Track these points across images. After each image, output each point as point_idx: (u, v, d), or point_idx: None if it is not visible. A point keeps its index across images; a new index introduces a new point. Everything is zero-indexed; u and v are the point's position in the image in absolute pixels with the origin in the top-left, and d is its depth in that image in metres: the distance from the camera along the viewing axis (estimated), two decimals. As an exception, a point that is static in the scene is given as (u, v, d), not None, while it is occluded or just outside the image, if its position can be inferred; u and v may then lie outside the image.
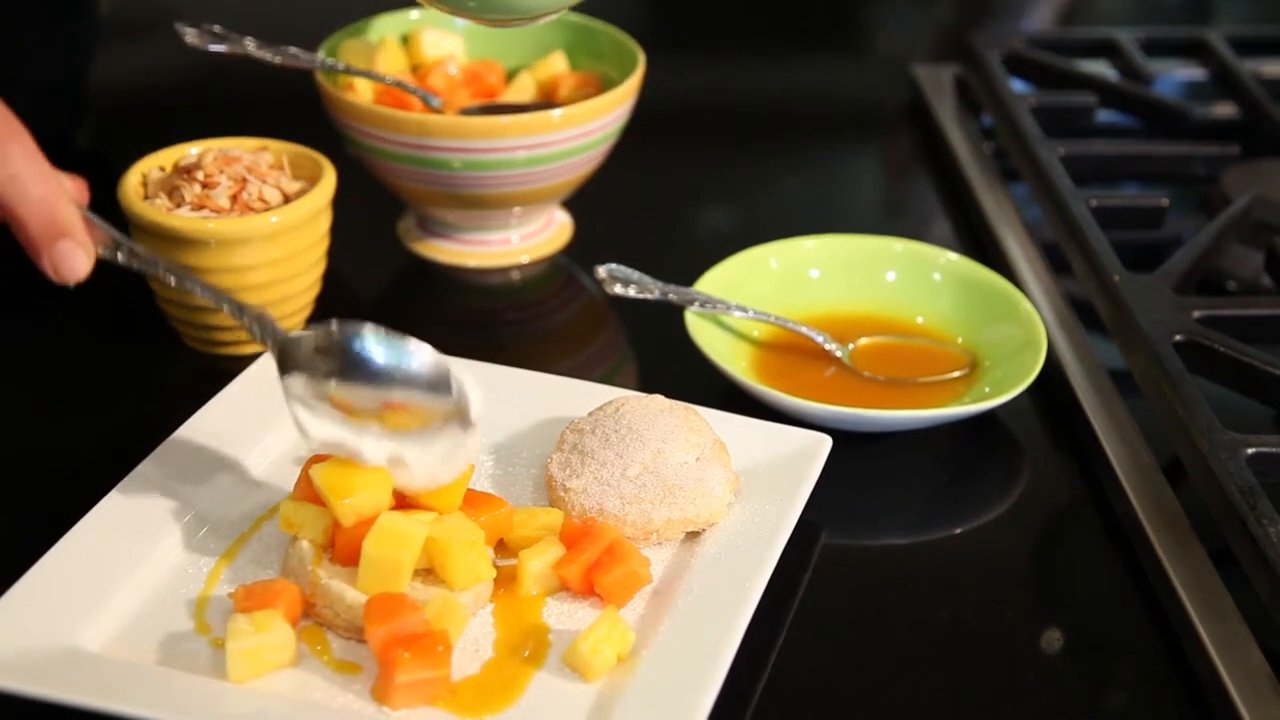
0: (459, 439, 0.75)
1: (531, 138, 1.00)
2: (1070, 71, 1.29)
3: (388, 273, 1.11)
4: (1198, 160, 1.19)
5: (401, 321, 1.04)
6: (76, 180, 0.91)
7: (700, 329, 0.94)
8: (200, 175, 0.94)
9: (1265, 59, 1.33)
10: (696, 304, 0.95)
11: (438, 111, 1.05)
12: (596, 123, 1.03)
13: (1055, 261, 1.07)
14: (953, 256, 1.02)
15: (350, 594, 0.73)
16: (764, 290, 1.00)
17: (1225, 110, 1.25)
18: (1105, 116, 1.27)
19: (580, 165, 1.05)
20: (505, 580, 0.77)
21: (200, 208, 0.93)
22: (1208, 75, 1.32)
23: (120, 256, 0.86)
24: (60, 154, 1.18)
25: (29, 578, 0.73)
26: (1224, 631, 0.75)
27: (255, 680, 0.70)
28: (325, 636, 0.74)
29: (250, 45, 1.03)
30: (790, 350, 0.97)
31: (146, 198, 0.94)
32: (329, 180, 0.95)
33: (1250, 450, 0.81)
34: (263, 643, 0.70)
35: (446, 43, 1.12)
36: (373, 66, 1.08)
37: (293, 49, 1.04)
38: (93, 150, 1.24)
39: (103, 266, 1.05)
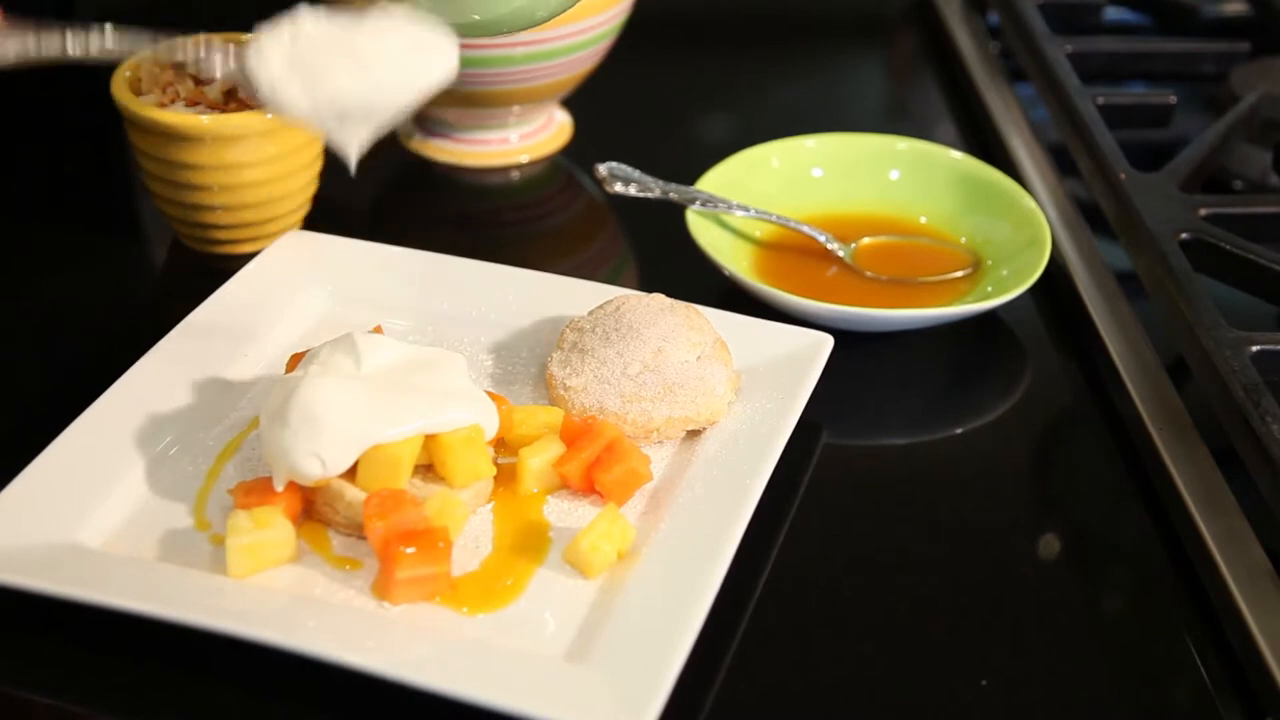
0: None
1: (530, 34, 0.99)
2: (1078, -33, 1.27)
3: (386, 173, 1.09)
4: (1206, 58, 1.17)
5: (400, 221, 1.04)
6: None
7: (701, 228, 0.93)
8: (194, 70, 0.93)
9: (1277, -45, 1.30)
10: (698, 203, 0.94)
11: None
12: (596, 18, 1.01)
13: (1061, 162, 1.06)
14: (956, 155, 1.01)
15: (350, 491, 0.72)
16: (766, 189, 0.98)
17: (1235, 7, 1.23)
18: (1114, 13, 1.25)
19: (579, 62, 1.04)
20: (505, 478, 0.77)
21: (194, 104, 0.91)
22: (1218, -29, 1.30)
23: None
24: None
25: (29, 474, 0.73)
26: (1225, 528, 0.75)
27: (255, 576, 0.70)
28: (325, 533, 0.74)
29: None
30: (792, 250, 0.97)
31: (139, 93, 0.92)
32: (325, 77, 0.94)
33: (1255, 348, 0.80)
34: (262, 539, 0.70)
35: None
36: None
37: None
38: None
39: (99, 172, 1.04)
